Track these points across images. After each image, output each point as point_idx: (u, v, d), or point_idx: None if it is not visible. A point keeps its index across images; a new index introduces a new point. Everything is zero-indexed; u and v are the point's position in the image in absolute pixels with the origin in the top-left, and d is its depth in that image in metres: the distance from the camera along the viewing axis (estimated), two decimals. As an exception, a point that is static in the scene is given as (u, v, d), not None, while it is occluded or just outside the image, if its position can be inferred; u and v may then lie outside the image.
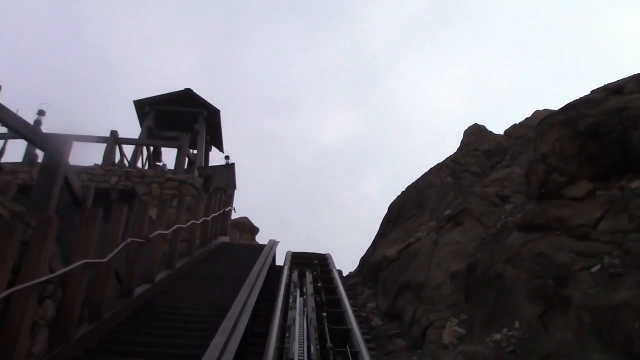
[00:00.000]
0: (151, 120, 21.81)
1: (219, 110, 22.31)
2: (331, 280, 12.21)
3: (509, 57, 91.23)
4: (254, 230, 26.13)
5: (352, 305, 11.09)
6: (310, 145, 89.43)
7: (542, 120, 7.84)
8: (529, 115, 20.50)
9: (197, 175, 14.13)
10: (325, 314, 7.64)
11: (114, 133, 13.87)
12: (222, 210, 15.93)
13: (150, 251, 8.87)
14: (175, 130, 22.52)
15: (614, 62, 79.76)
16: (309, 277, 11.26)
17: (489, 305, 8.13)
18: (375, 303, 12.40)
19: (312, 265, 12.97)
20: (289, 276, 11.91)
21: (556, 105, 20.76)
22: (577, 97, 7.34)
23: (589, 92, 7.54)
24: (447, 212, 12.36)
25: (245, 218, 26.00)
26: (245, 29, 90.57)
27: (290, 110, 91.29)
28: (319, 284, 10.53)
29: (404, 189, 18.83)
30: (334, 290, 11.24)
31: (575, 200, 7.02)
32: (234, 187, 21.09)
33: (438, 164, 18.27)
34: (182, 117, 22.66)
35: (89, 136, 13.64)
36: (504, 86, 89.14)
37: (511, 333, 6.98)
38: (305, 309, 8.84)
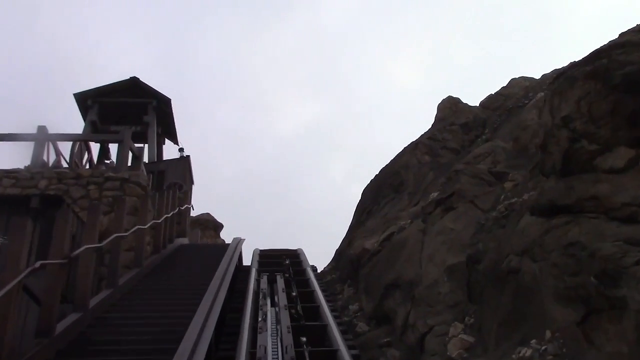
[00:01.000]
0: (95, 114, 19.70)
1: (169, 99, 20.32)
2: (307, 282, 10.58)
3: (468, 33, 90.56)
4: (218, 226, 24.29)
5: (332, 311, 9.53)
6: (271, 135, 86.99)
7: (560, 75, 6.32)
8: (504, 85, 19.26)
9: (143, 171, 12.25)
10: (304, 339, 6.00)
11: (42, 129, 11.86)
12: (177, 210, 14.09)
13: (79, 271, 7.07)
14: (123, 123, 20.45)
15: (577, 36, 79.97)
16: (280, 282, 9.59)
17: (504, 308, 6.63)
18: (358, 305, 10.84)
19: (283, 265, 11.34)
20: (257, 282, 10.23)
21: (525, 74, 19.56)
22: (604, 44, 5.82)
23: (617, 36, 6.07)
24: (434, 195, 10.83)
25: (208, 214, 24.11)
26: (196, 21, 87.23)
27: (249, 101, 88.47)
28: (293, 292, 8.88)
29: (377, 172, 17.34)
30: (310, 295, 9.61)
31: (613, 172, 5.53)
32: (191, 182, 19.20)
33: (413, 142, 16.77)
34: (130, 109, 20.60)
35: (10, 134, 11.59)
36: (466, 63, 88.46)
37: (544, 347, 5.48)
38: (278, 328, 7.19)
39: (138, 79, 20.41)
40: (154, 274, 10.10)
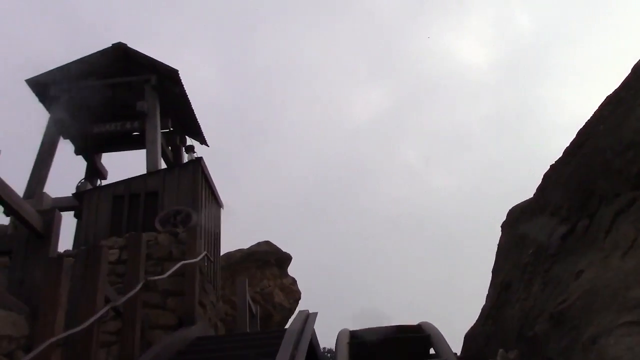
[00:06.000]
0: (62, 109, 12.52)
1: (175, 71, 12.75)
2: None
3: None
4: (284, 260, 16.42)
5: None
6: (338, 130, 77.26)
7: None
8: None
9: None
10: None
11: None
12: (145, 280, 6.24)
13: None
14: (113, 119, 13.18)
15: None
16: None
17: None
18: None
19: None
20: None
21: None
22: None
23: None
24: None
25: (267, 243, 16.27)
26: (251, 26, 79.75)
27: (313, 100, 79.33)
28: None
29: (567, 148, 8.71)
30: None
31: None
32: (218, 205, 11.39)
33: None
34: (119, 95, 13.26)
35: None
36: (528, 27, 76.29)
37: None
38: None
39: (126, 45, 12.95)
40: None
